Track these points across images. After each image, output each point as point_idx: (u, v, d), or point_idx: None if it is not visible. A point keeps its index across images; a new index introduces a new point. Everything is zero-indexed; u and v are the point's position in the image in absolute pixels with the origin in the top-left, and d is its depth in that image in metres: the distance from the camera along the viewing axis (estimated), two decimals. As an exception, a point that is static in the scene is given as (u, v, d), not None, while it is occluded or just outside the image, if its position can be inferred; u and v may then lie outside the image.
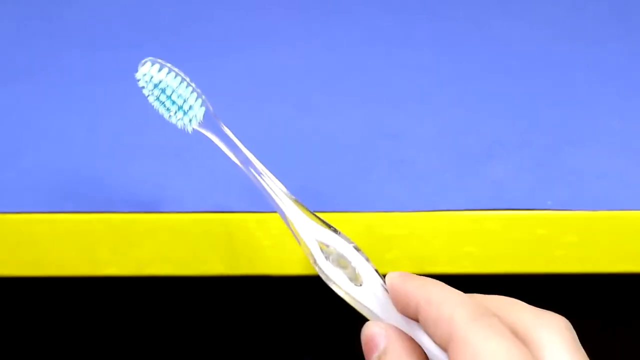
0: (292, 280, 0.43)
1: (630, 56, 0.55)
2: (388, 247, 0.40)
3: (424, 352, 0.30)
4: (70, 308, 0.79)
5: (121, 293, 0.77)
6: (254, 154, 0.34)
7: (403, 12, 0.61)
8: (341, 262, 0.32)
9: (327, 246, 0.33)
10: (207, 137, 0.34)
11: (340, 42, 0.57)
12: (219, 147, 0.34)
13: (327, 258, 0.33)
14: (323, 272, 0.32)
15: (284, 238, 0.40)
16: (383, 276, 0.32)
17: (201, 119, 0.34)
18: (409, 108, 0.49)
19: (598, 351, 0.36)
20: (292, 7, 0.62)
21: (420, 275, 0.30)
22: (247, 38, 0.57)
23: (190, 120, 0.34)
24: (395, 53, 0.55)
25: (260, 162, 0.34)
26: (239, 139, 0.34)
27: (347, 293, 0.32)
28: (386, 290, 0.31)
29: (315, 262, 0.33)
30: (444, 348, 0.28)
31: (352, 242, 0.33)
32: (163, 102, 0.33)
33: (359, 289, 0.32)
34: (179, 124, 0.34)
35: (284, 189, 0.34)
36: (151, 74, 0.33)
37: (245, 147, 0.34)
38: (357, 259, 0.32)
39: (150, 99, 0.33)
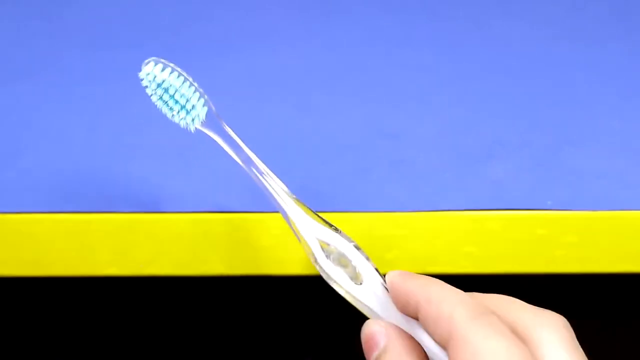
0: (292, 280, 0.43)
1: (630, 56, 0.55)
2: (388, 247, 0.40)
3: (424, 351, 0.30)
4: (70, 308, 0.79)
5: (121, 293, 0.77)
6: (254, 154, 0.34)
7: (403, 12, 0.61)
8: (342, 261, 0.32)
9: (328, 245, 0.33)
10: (206, 137, 0.34)
11: (340, 42, 0.57)
12: (221, 147, 0.34)
13: (327, 257, 0.33)
14: (324, 270, 0.33)
15: (285, 238, 0.40)
16: (383, 275, 0.32)
17: (204, 119, 0.34)
18: (409, 108, 0.49)
19: (598, 351, 0.36)
20: (292, 7, 0.62)
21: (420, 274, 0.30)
22: (247, 38, 0.57)
23: (192, 120, 0.34)
24: (395, 53, 0.55)
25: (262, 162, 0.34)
26: (239, 139, 0.34)
27: (347, 292, 0.32)
28: (386, 289, 0.31)
29: (316, 260, 0.33)
30: (444, 346, 0.28)
31: (352, 241, 0.33)
32: (166, 102, 0.33)
33: (359, 288, 0.32)
34: (182, 124, 0.34)
35: (286, 189, 0.34)
36: (154, 73, 0.33)
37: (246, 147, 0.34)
38: (357, 257, 0.32)
39: (154, 99, 0.34)
